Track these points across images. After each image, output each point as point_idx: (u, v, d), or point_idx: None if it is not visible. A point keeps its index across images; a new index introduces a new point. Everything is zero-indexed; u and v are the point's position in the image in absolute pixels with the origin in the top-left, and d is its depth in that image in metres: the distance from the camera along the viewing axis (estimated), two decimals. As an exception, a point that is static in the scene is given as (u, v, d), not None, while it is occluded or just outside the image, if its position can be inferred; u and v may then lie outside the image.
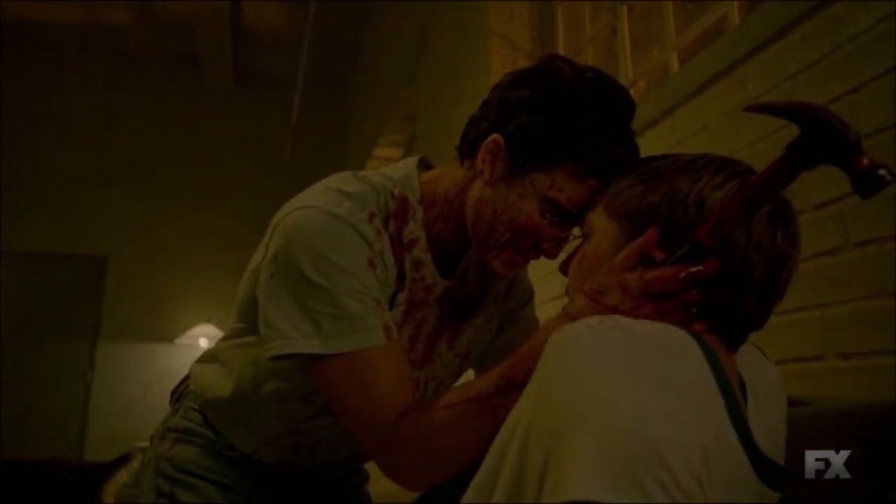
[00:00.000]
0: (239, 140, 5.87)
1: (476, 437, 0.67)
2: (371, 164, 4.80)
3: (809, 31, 1.25)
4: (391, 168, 0.88)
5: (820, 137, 0.53)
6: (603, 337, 0.49)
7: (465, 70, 2.95)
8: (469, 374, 0.94)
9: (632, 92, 2.12)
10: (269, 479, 0.95)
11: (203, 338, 5.13)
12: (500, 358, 0.71)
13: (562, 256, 0.76)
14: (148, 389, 4.96)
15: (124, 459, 2.16)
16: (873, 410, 0.78)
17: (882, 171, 0.51)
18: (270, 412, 0.90)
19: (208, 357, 0.98)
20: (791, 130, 0.56)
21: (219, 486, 0.93)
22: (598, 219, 0.67)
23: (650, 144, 1.65)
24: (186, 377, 1.02)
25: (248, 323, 0.88)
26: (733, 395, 0.52)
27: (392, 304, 0.82)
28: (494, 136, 0.78)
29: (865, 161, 0.52)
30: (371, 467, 0.98)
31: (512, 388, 0.65)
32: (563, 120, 0.74)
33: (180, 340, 5.23)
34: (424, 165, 0.90)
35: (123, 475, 2.12)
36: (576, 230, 0.76)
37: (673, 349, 0.50)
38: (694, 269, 0.58)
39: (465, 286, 0.89)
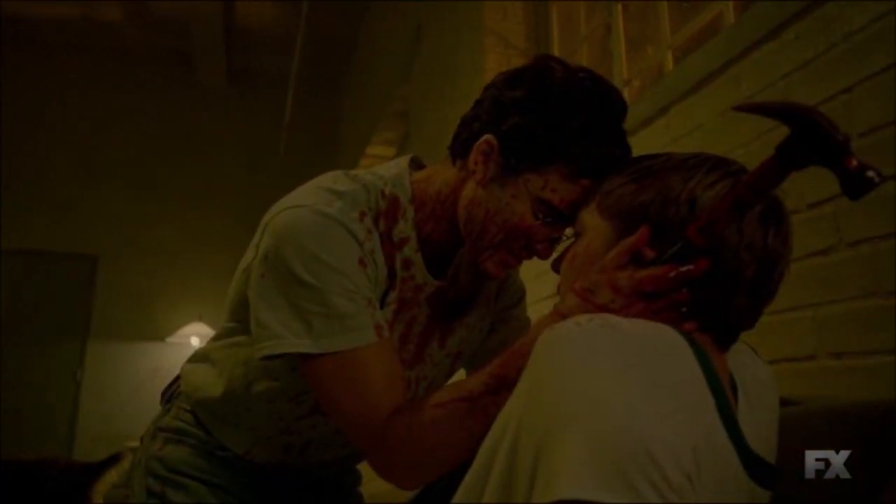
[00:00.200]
0: (232, 138, 5.86)
1: (467, 436, 0.67)
2: (365, 163, 4.80)
3: (803, 30, 1.25)
4: (383, 167, 0.87)
5: (809, 138, 0.53)
6: (593, 335, 0.49)
7: (460, 68, 2.95)
8: (461, 374, 0.94)
9: (626, 91, 2.13)
10: (260, 479, 0.95)
11: (195, 336, 5.12)
12: (492, 357, 0.71)
13: (555, 255, 0.76)
14: (139, 389, 4.95)
15: (114, 459, 2.15)
16: (867, 410, 0.78)
17: (870, 173, 0.51)
18: (262, 412, 0.89)
19: (199, 357, 0.98)
20: (785, 130, 0.56)
21: (210, 486, 0.93)
22: (591, 217, 0.67)
23: (644, 143, 1.65)
24: (177, 377, 1.01)
25: (239, 322, 0.88)
26: (723, 394, 0.52)
27: (383, 303, 0.82)
28: (487, 136, 0.78)
29: (854, 162, 0.52)
30: (364, 468, 0.97)
31: (503, 387, 0.66)
32: (555, 120, 0.74)
33: (172, 339, 5.21)
34: (416, 165, 0.90)
35: (113, 475, 2.11)
36: (568, 231, 0.76)
37: (663, 348, 0.50)
38: (684, 269, 0.58)
39: (455, 286, 0.89)
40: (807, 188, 1.16)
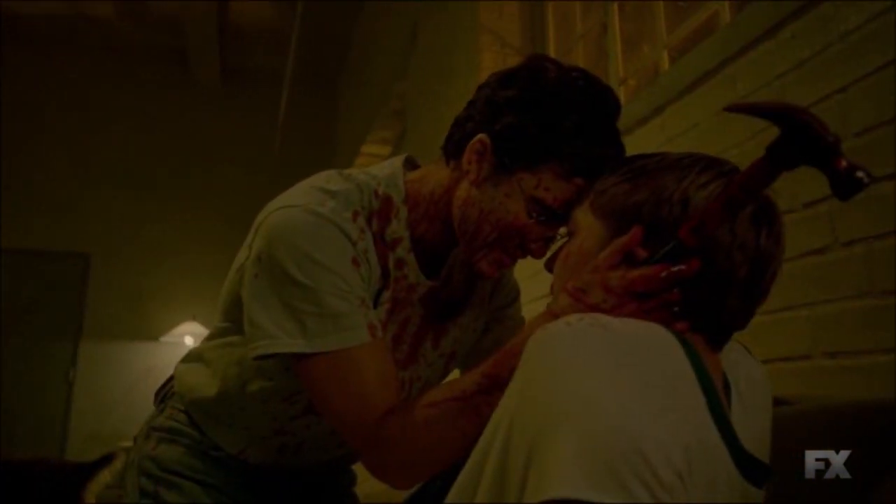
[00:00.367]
0: (226, 137, 5.84)
1: (461, 436, 0.67)
2: (360, 161, 4.79)
3: (799, 29, 1.25)
4: (377, 167, 0.87)
5: (799, 139, 0.54)
6: (584, 335, 0.49)
7: (456, 67, 2.95)
8: (455, 375, 0.93)
9: (622, 90, 2.13)
10: (254, 479, 0.95)
11: (188, 336, 5.10)
12: (486, 357, 0.71)
13: (548, 254, 0.76)
14: (132, 388, 4.93)
15: (107, 460, 2.14)
16: (862, 409, 0.78)
17: (860, 174, 0.52)
18: (256, 412, 0.89)
19: (193, 357, 0.98)
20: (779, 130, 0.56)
21: (204, 486, 0.92)
22: (584, 216, 0.67)
23: (640, 142, 1.65)
24: (171, 377, 1.01)
25: (232, 322, 0.88)
26: (715, 394, 0.52)
27: (376, 302, 0.82)
28: (480, 136, 0.78)
29: (844, 163, 0.52)
30: (358, 468, 0.97)
31: (495, 387, 0.66)
32: (549, 120, 0.74)
33: (165, 339, 5.19)
34: (410, 165, 0.90)
35: (106, 476, 2.10)
36: (562, 230, 0.77)
37: (654, 347, 0.50)
38: (676, 269, 0.58)
39: (449, 286, 0.89)
40: (801, 188, 1.16)
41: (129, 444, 1.06)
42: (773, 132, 0.56)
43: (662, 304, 0.59)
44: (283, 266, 0.73)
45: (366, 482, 0.96)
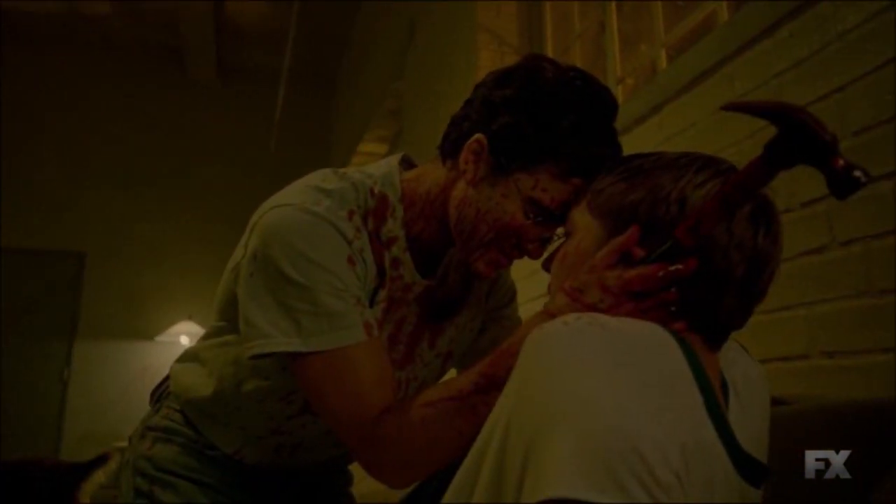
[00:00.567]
0: (222, 135, 5.82)
1: (457, 435, 0.67)
2: (357, 160, 4.79)
3: (797, 28, 1.25)
4: (373, 166, 0.87)
5: (796, 138, 0.53)
6: (581, 334, 0.48)
7: (453, 65, 2.94)
8: (452, 375, 0.93)
9: (620, 89, 2.12)
10: (250, 478, 0.95)
11: (184, 335, 5.08)
12: (483, 357, 0.70)
13: (546, 254, 0.76)
14: (128, 388, 4.91)
15: (102, 460, 2.14)
16: (860, 409, 0.78)
17: (857, 173, 0.51)
18: (252, 411, 0.89)
19: (188, 356, 0.97)
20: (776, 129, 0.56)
21: (199, 486, 0.92)
22: (581, 216, 0.67)
23: (638, 141, 1.65)
24: (167, 377, 1.01)
25: (228, 321, 0.88)
26: (712, 393, 0.52)
27: (372, 301, 0.81)
28: (477, 135, 0.77)
29: (841, 162, 0.52)
30: (355, 468, 0.97)
31: (492, 386, 0.66)
32: (546, 120, 0.74)
33: (161, 338, 5.17)
34: (407, 164, 0.89)
35: (100, 475, 2.10)
36: (559, 230, 0.76)
37: (651, 346, 0.50)
38: (673, 268, 0.58)
39: (445, 286, 0.89)
40: (799, 187, 1.16)
41: (124, 443, 1.06)
42: (770, 131, 0.56)
43: (660, 303, 0.59)
44: (279, 265, 0.73)
45: (362, 482, 0.95)
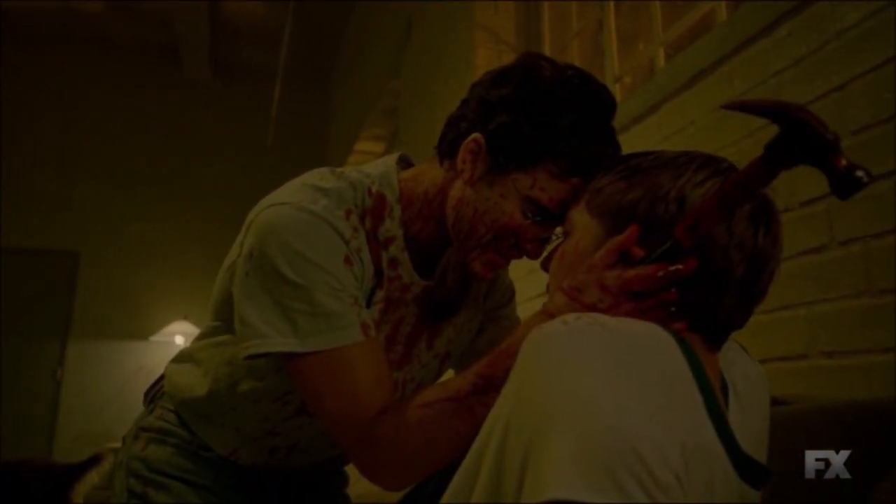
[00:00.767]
0: (218, 133, 5.80)
1: (455, 436, 0.67)
2: (353, 159, 4.79)
3: (796, 27, 1.25)
4: (370, 165, 0.87)
5: (798, 137, 0.53)
6: (580, 334, 0.48)
7: (450, 64, 2.94)
8: (449, 375, 0.93)
9: (618, 87, 2.12)
10: (245, 480, 0.94)
11: (179, 335, 5.07)
12: (481, 358, 0.70)
13: (544, 254, 0.75)
14: (122, 388, 4.90)
15: (95, 460, 2.13)
16: (860, 409, 0.78)
17: (860, 173, 0.51)
18: (247, 412, 0.88)
19: (183, 357, 0.97)
20: (776, 128, 0.55)
21: (193, 487, 0.91)
22: (580, 216, 0.67)
23: (636, 140, 1.65)
24: (161, 377, 1.00)
25: (223, 321, 0.87)
26: (712, 393, 0.51)
27: (370, 302, 0.81)
28: (475, 135, 0.77)
29: (843, 162, 0.51)
30: (351, 469, 0.96)
31: (490, 387, 0.65)
32: (544, 119, 0.74)
33: (156, 338, 5.16)
34: (404, 163, 0.89)
35: (94, 476, 2.09)
36: (558, 230, 0.76)
37: (651, 346, 0.50)
38: (672, 268, 0.58)
39: (443, 286, 0.88)
40: (799, 186, 1.16)
41: (117, 444, 1.05)
42: (770, 130, 0.55)
43: (659, 303, 0.59)
44: (275, 264, 0.72)
45: (357, 483, 0.95)
